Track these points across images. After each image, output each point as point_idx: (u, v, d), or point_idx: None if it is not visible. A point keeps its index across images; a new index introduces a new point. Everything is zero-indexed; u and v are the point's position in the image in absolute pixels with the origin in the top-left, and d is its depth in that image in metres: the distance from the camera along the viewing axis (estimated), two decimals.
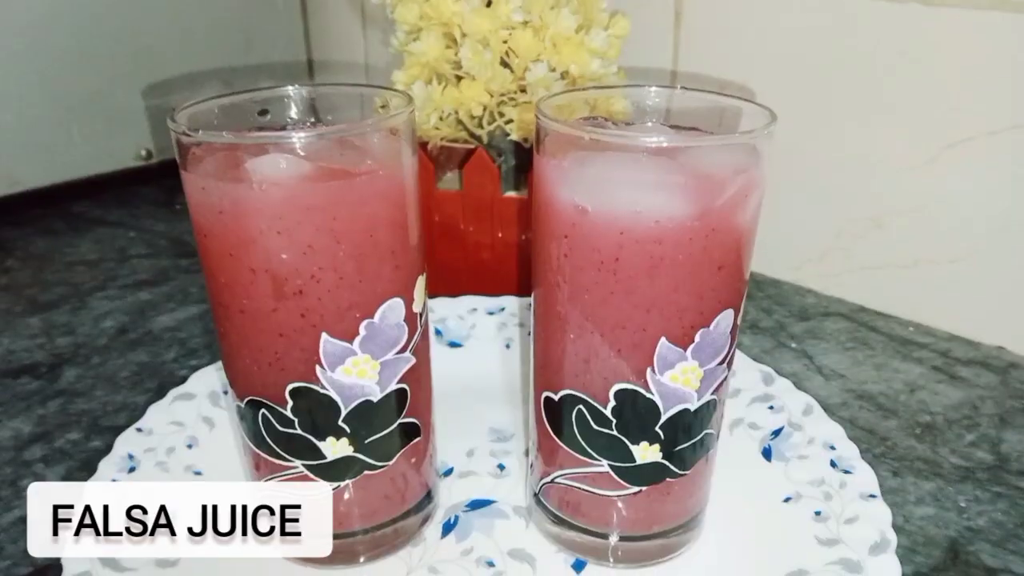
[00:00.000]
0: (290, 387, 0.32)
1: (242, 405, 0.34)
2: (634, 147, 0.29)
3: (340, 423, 0.33)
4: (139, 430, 0.43)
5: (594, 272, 0.31)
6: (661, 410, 0.33)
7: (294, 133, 0.30)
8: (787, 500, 0.40)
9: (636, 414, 0.33)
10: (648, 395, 0.32)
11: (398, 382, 0.34)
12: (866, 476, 0.40)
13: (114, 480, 0.39)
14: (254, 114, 0.36)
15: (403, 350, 0.34)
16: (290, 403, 0.33)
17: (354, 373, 0.33)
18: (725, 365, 0.34)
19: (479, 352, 0.54)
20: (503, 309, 0.57)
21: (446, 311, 0.57)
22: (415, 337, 0.34)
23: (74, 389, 0.53)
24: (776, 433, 0.44)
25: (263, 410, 0.33)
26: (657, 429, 0.33)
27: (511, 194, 0.61)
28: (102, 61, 0.83)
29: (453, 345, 0.55)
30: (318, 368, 0.32)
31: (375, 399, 0.34)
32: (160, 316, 0.63)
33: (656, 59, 0.71)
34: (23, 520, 0.41)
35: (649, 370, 0.32)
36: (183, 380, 0.53)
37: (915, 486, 0.44)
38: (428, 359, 0.37)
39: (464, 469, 0.44)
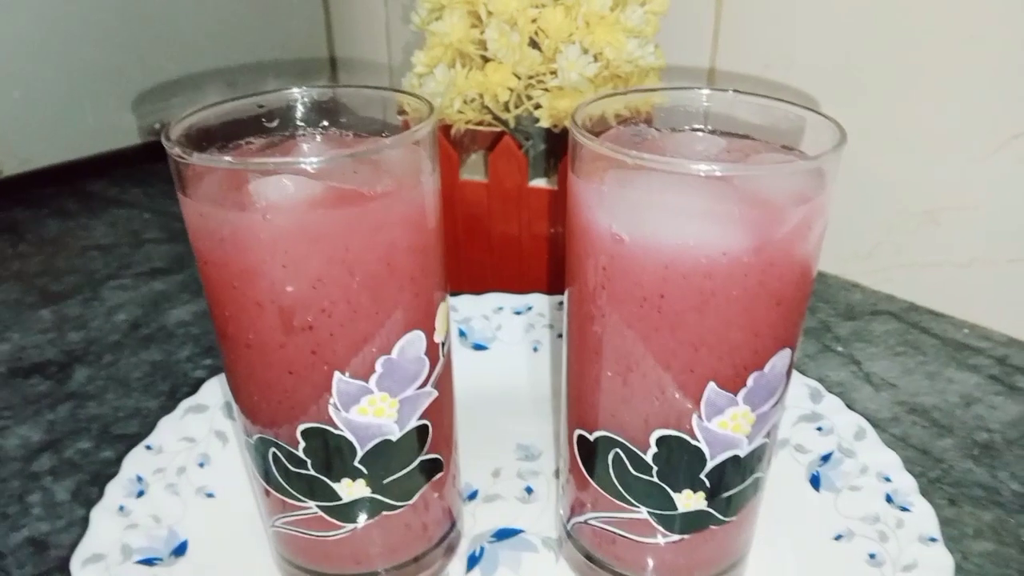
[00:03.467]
0: (302, 427, 0.30)
1: (251, 440, 0.32)
2: (683, 173, 0.25)
3: (356, 464, 0.31)
4: (148, 447, 0.41)
5: (635, 307, 0.28)
6: (707, 457, 0.30)
7: (303, 157, 0.26)
8: (838, 538, 0.37)
9: (679, 461, 0.30)
10: (693, 442, 0.29)
11: (419, 419, 0.31)
12: (926, 516, 0.36)
13: (121, 508, 0.37)
14: (260, 120, 0.33)
15: (424, 384, 0.31)
16: (302, 444, 0.30)
17: (370, 412, 0.30)
18: (779, 405, 0.30)
19: (505, 356, 0.51)
20: (530, 308, 0.54)
21: (470, 310, 0.54)
22: (437, 369, 0.32)
23: (85, 392, 0.51)
24: (825, 459, 0.41)
25: (273, 449, 0.31)
26: (702, 477, 0.30)
27: (540, 183, 0.57)
28: (114, 36, 0.80)
29: (478, 348, 0.52)
30: (331, 408, 0.29)
31: (394, 438, 0.31)
32: (174, 309, 0.60)
33: (693, 52, 0.66)
34: (31, 542, 0.39)
35: (695, 415, 0.29)
36: (196, 382, 0.51)
37: (973, 516, 0.41)
38: (451, 390, 0.34)
39: (490, 492, 0.41)
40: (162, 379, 0.52)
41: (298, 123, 0.33)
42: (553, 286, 0.57)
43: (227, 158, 0.26)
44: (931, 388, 0.51)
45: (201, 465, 0.41)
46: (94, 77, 0.79)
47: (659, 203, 0.26)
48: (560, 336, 0.53)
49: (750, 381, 0.28)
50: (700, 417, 0.29)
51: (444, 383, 0.33)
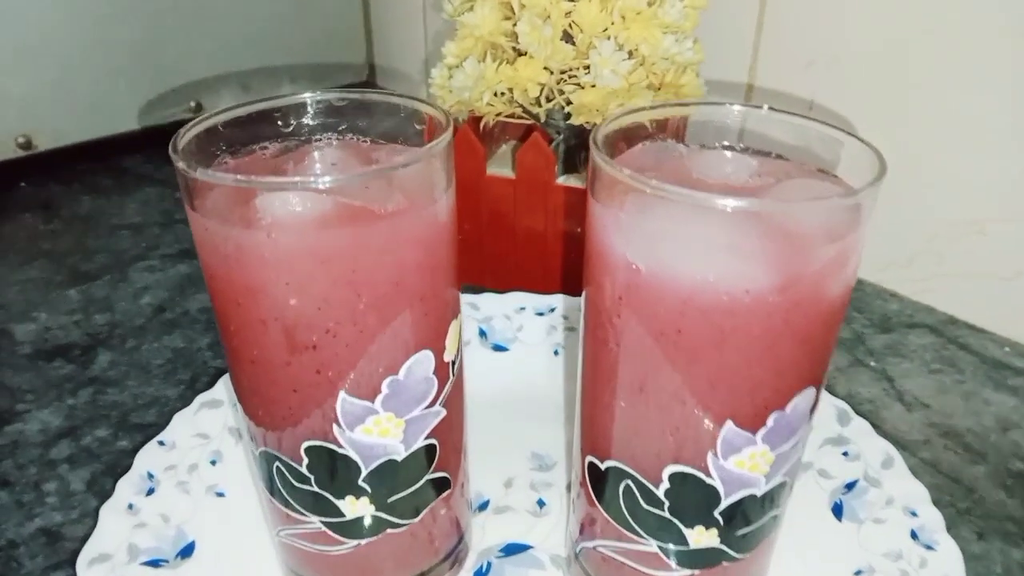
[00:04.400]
0: (305, 444, 0.29)
1: (256, 452, 0.31)
2: (705, 206, 0.24)
3: (360, 483, 0.30)
4: (161, 443, 0.41)
5: (651, 340, 0.26)
6: (722, 496, 0.28)
7: (316, 165, 0.25)
8: (858, 574, 0.35)
9: (692, 498, 0.29)
10: (708, 480, 0.28)
11: (426, 438, 0.31)
12: (951, 557, 0.35)
13: (131, 506, 0.37)
14: (275, 124, 0.32)
15: (432, 404, 0.30)
16: (305, 460, 0.30)
17: (375, 432, 0.29)
18: (801, 444, 0.29)
19: (525, 358, 0.50)
20: (553, 310, 0.53)
21: (493, 309, 0.53)
22: (446, 388, 0.31)
23: (106, 377, 0.51)
24: (850, 487, 0.40)
25: (277, 463, 0.30)
26: (716, 515, 0.29)
27: (568, 181, 0.56)
28: (150, 11, 0.80)
29: (498, 348, 0.51)
30: (335, 427, 0.29)
31: (399, 458, 0.30)
32: (199, 294, 0.60)
33: (734, 46, 0.64)
34: (44, 532, 0.40)
35: (710, 453, 0.28)
36: (215, 372, 0.51)
37: (1003, 554, 0.39)
38: (462, 408, 0.33)
39: (501, 503, 0.40)
40: (183, 367, 0.52)
41: (314, 128, 0.32)
42: (578, 287, 0.56)
43: (231, 175, 0.25)
44: (966, 410, 0.49)
45: (213, 463, 0.41)
46: (130, 53, 0.79)
47: (679, 234, 0.25)
48: (581, 337, 0.52)
49: (770, 421, 0.27)
50: (716, 455, 0.27)
51: (454, 401, 0.32)
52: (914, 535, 0.36)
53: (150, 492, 0.38)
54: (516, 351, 0.51)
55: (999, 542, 0.40)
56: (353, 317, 0.27)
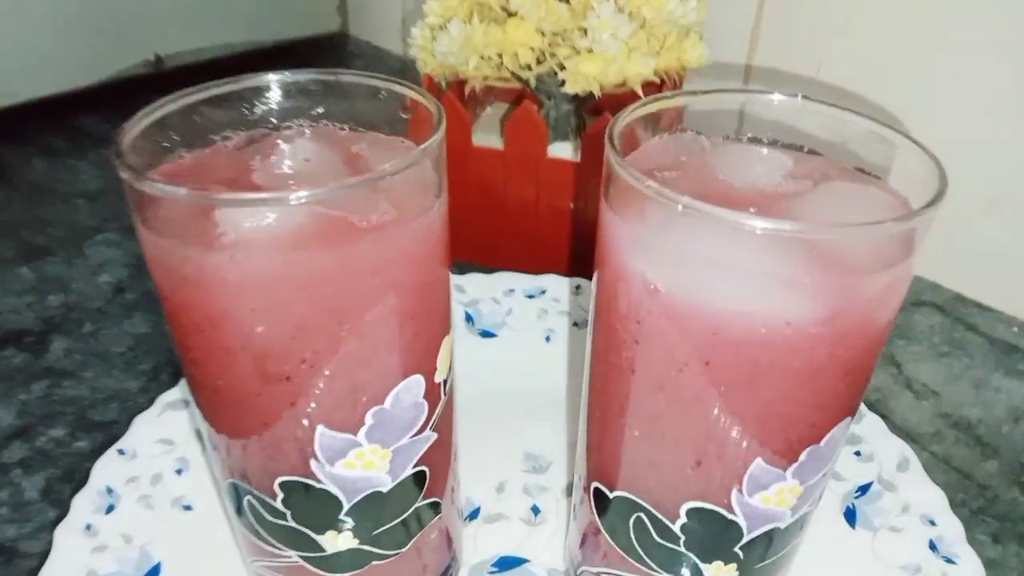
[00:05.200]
0: (280, 480, 0.26)
1: (223, 483, 0.28)
2: (741, 226, 0.20)
3: (342, 517, 0.27)
4: (121, 452, 0.37)
5: (673, 371, 0.23)
6: (744, 531, 0.26)
7: (283, 180, 0.22)
8: None
9: (712, 534, 0.26)
10: (730, 516, 0.25)
11: (415, 466, 0.28)
12: (973, 571, 0.33)
13: (89, 527, 0.33)
14: (236, 111, 0.28)
15: (421, 430, 0.27)
16: (280, 495, 0.26)
17: (359, 466, 0.26)
18: (830, 473, 0.26)
19: (515, 345, 0.47)
20: (544, 292, 0.50)
21: (479, 291, 0.50)
22: (437, 410, 0.28)
23: (62, 367, 0.47)
24: (863, 490, 0.37)
25: (249, 497, 0.27)
26: (736, 550, 0.26)
27: (561, 150, 0.52)
28: None
29: (485, 335, 0.48)
30: (313, 462, 0.25)
31: (385, 489, 0.27)
32: None
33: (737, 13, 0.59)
34: None
35: (735, 490, 0.25)
36: (180, 363, 0.47)
37: (1019, 558, 0.38)
38: (453, 429, 0.30)
39: (493, 511, 0.38)
40: (145, 355, 0.48)
41: (283, 114, 0.28)
42: (570, 267, 0.52)
43: (184, 190, 0.21)
44: (976, 399, 0.47)
45: (179, 472, 0.37)
46: (83, 5, 0.73)
47: (709, 255, 0.21)
48: (576, 325, 0.49)
49: (803, 455, 0.24)
50: (741, 492, 0.25)
51: (445, 423, 0.29)
52: (933, 546, 0.34)
53: (110, 509, 0.35)
54: (505, 337, 0.48)
55: (1015, 545, 0.38)
56: (333, 345, 0.23)
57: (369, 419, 0.25)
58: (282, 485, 0.26)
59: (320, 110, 0.29)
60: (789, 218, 0.23)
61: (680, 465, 0.25)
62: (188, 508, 0.36)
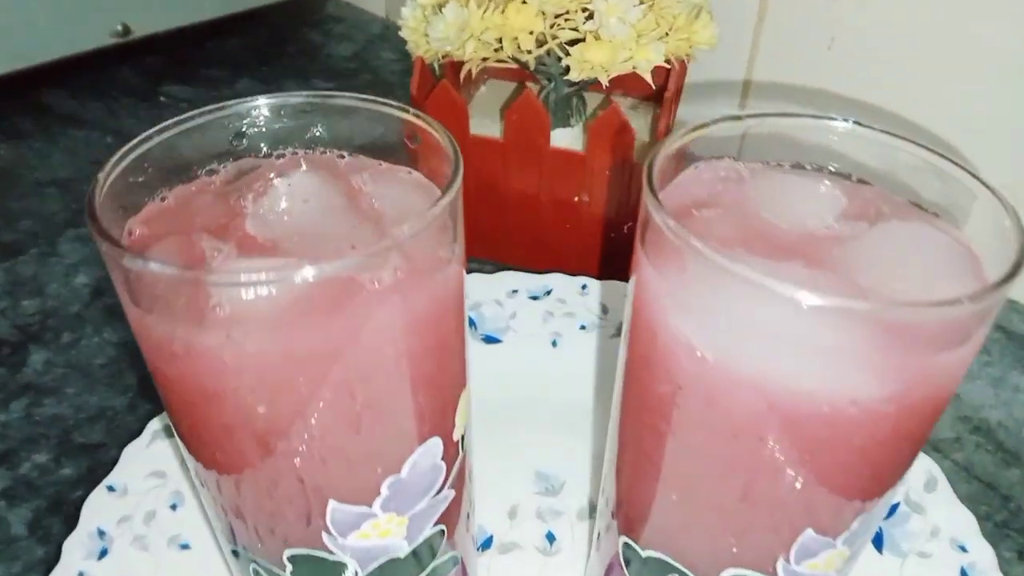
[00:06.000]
0: (288, 553, 0.24)
1: (226, 549, 0.26)
2: (807, 303, 0.18)
3: None
4: (111, 489, 0.35)
5: (720, 443, 0.21)
6: None
7: (287, 266, 0.19)
8: None
9: None
10: None
11: (433, 526, 0.26)
12: None
13: (81, 575, 0.31)
14: (222, 140, 0.25)
15: (439, 491, 0.25)
16: (289, 567, 0.24)
17: (374, 535, 0.24)
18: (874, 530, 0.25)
19: (520, 351, 0.45)
20: (549, 292, 0.48)
21: (481, 294, 0.47)
22: (455, 466, 0.25)
23: (42, 383, 0.45)
24: (890, 512, 0.36)
25: (254, 565, 0.25)
26: None
27: (562, 136, 0.49)
28: None
29: (489, 340, 0.46)
30: (324, 535, 0.23)
31: (402, 555, 0.25)
32: None
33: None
34: None
35: (781, 559, 0.23)
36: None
37: None
38: (470, 482, 0.28)
39: (505, 539, 0.36)
40: (128, 368, 0.46)
41: (274, 140, 0.25)
42: (575, 264, 0.50)
43: (169, 267, 0.18)
44: (996, 400, 0.46)
45: (173, 507, 0.35)
46: None
47: (765, 325, 0.19)
48: (583, 328, 0.47)
49: (855, 523, 0.23)
50: (787, 560, 0.23)
51: (462, 478, 0.27)
52: (964, 575, 0.33)
53: (103, 554, 0.33)
54: (510, 343, 0.46)
55: None
56: (344, 419, 0.21)
57: (385, 490, 0.23)
58: (291, 558, 0.24)
59: (313, 134, 0.26)
60: (845, 268, 0.21)
61: (722, 531, 0.23)
62: (185, 547, 0.34)
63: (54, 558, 0.33)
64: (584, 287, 0.48)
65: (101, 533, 0.33)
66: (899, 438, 0.21)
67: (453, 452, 0.25)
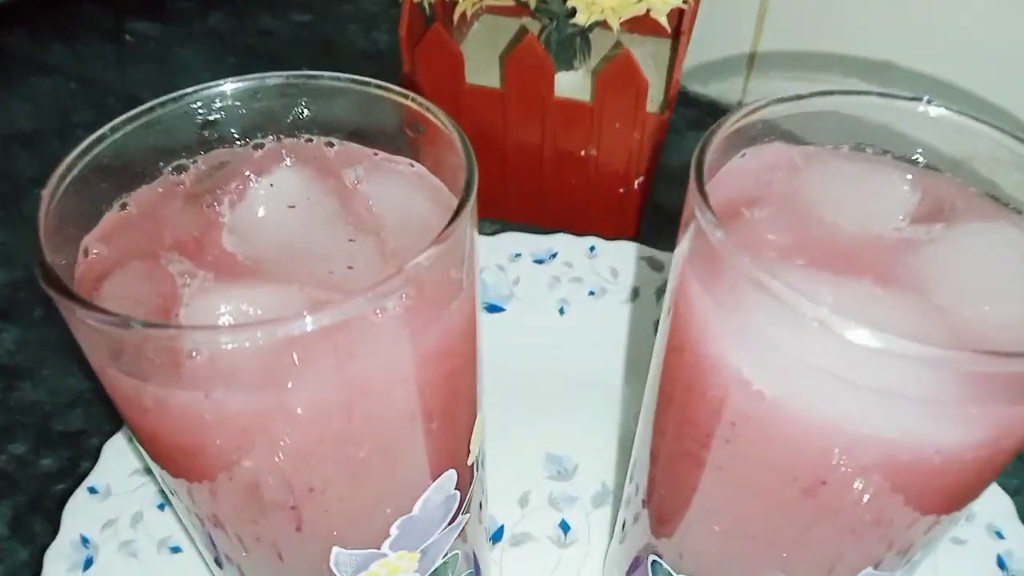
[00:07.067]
0: None
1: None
2: (891, 350, 0.15)
3: None
4: (93, 491, 0.32)
5: (776, 484, 0.19)
6: None
7: (275, 320, 0.15)
8: None
9: None
10: None
11: (447, 553, 0.23)
12: None
13: None
14: (191, 130, 0.21)
15: (453, 519, 0.23)
16: None
17: (384, 573, 0.22)
18: None
19: (525, 321, 0.42)
20: (555, 255, 0.45)
21: (482, 258, 0.44)
22: (470, 492, 0.23)
23: (14, 364, 0.42)
24: None
25: None
26: None
27: (566, 88, 0.45)
28: None
29: (492, 309, 0.43)
30: None
31: None
32: None
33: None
34: None
35: None
36: None
37: None
38: (485, 500, 0.26)
39: (517, 530, 0.34)
40: None
41: (250, 127, 0.22)
42: (582, 223, 0.47)
43: (134, 327, 0.15)
44: None
45: (161, 507, 0.33)
46: None
47: (835, 366, 0.16)
48: (592, 294, 0.44)
49: (916, 555, 0.20)
50: None
51: (476, 498, 0.24)
52: (1001, 563, 0.32)
53: (88, 564, 0.30)
54: (514, 311, 0.43)
55: None
56: (348, 469, 0.18)
57: (395, 531, 0.21)
58: None
59: (294, 119, 0.22)
60: (921, 284, 0.18)
61: (769, 565, 0.21)
62: (176, 550, 0.32)
63: (38, 561, 0.31)
64: (592, 249, 0.45)
65: (85, 540, 0.31)
66: (980, 479, 0.18)
67: (468, 478, 0.23)
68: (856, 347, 0.15)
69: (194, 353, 0.16)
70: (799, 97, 0.20)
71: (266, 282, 0.18)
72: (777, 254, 0.19)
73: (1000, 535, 0.32)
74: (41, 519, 0.35)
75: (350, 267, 0.18)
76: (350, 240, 0.19)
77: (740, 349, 0.18)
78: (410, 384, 0.18)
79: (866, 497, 0.18)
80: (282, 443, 0.17)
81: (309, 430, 0.17)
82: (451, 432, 0.21)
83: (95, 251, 0.19)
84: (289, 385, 0.16)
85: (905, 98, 0.21)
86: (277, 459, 0.17)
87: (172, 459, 0.18)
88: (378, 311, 0.17)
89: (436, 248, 0.16)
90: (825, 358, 0.16)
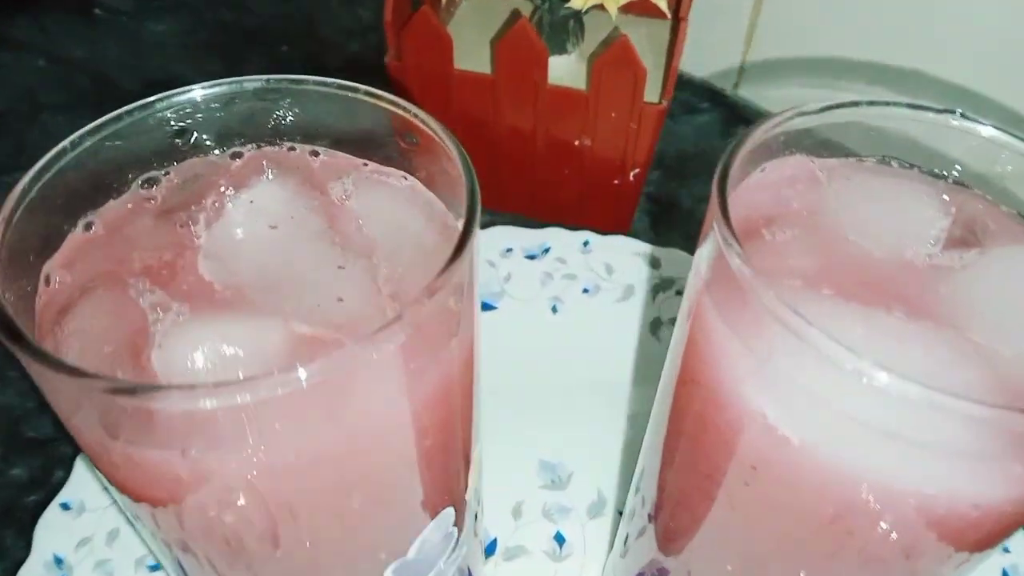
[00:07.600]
0: None
1: None
2: (933, 405, 0.14)
3: None
4: (66, 507, 0.31)
5: (802, 531, 0.18)
6: None
7: (259, 376, 0.14)
8: None
9: None
10: None
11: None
12: None
13: None
14: (163, 138, 0.19)
15: (452, 552, 0.21)
16: None
17: None
18: None
19: (517, 319, 0.41)
20: (547, 251, 0.43)
21: None
22: (466, 524, 0.22)
23: None
24: None
25: None
26: None
27: (559, 73, 0.43)
28: None
29: (482, 308, 0.41)
30: None
31: None
32: None
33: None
34: None
35: None
36: None
37: None
38: (483, 530, 0.24)
39: (511, 542, 0.33)
40: None
41: (225, 135, 0.20)
42: (576, 216, 0.45)
43: (102, 383, 0.13)
44: None
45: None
46: None
47: (869, 412, 0.15)
48: (586, 291, 0.42)
49: None
50: None
51: (475, 530, 0.23)
52: None
53: None
54: (505, 309, 0.41)
55: None
56: (339, 519, 0.17)
57: (389, 574, 0.19)
58: None
59: (275, 124, 0.20)
60: (956, 317, 0.17)
61: None
62: (155, 568, 0.31)
63: None
64: (586, 243, 0.43)
65: (59, 561, 0.29)
66: (1018, 523, 0.17)
67: (465, 512, 0.21)
68: (896, 399, 0.14)
69: (155, 361, 0.14)
70: (824, 108, 0.19)
71: (247, 316, 0.16)
72: (803, 283, 0.18)
73: (1006, 549, 0.31)
74: (13, 532, 0.33)
75: (340, 299, 0.17)
76: (339, 267, 0.18)
77: (764, 390, 0.16)
78: (406, 430, 0.16)
79: (895, 547, 0.17)
80: (268, 498, 0.15)
81: (298, 484, 0.15)
82: (449, 470, 0.19)
83: (57, 279, 0.17)
84: (275, 440, 0.14)
85: (936, 110, 0.19)
86: (262, 514, 0.16)
87: (149, 514, 0.17)
88: (374, 352, 0.16)
89: (437, 285, 0.15)
90: (859, 406, 0.15)
